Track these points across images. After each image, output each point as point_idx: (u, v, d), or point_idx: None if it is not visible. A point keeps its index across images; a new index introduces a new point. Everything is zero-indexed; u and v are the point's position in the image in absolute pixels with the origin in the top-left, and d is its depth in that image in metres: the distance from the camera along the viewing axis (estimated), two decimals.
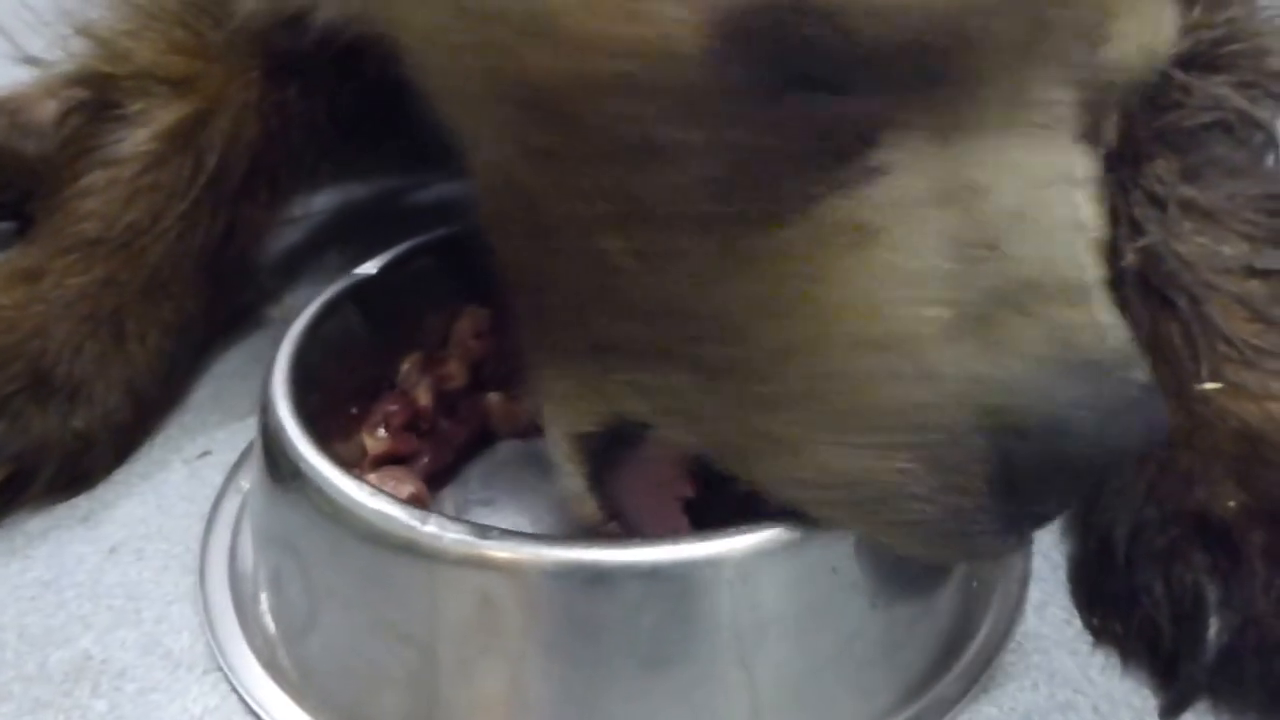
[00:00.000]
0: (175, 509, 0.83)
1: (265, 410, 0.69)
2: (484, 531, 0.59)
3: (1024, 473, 0.52)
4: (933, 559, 0.61)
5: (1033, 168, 0.52)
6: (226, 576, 0.74)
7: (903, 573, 0.62)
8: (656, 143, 0.52)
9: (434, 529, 0.59)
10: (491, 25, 0.55)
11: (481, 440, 0.84)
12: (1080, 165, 0.55)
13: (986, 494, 0.53)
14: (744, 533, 0.58)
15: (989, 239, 0.51)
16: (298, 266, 1.08)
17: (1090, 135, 0.56)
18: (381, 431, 0.79)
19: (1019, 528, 0.56)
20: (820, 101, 0.50)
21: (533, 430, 0.82)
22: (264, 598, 0.71)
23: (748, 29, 0.48)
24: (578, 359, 0.63)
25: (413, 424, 0.80)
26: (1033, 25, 0.50)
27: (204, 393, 0.94)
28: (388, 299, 0.83)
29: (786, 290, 0.53)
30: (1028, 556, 0.74)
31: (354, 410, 0.81)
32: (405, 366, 0.83)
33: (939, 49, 0.49)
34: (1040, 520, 0.57)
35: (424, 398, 0.81)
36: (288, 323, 0.76)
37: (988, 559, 0.67)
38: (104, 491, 0.85)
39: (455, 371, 0.83)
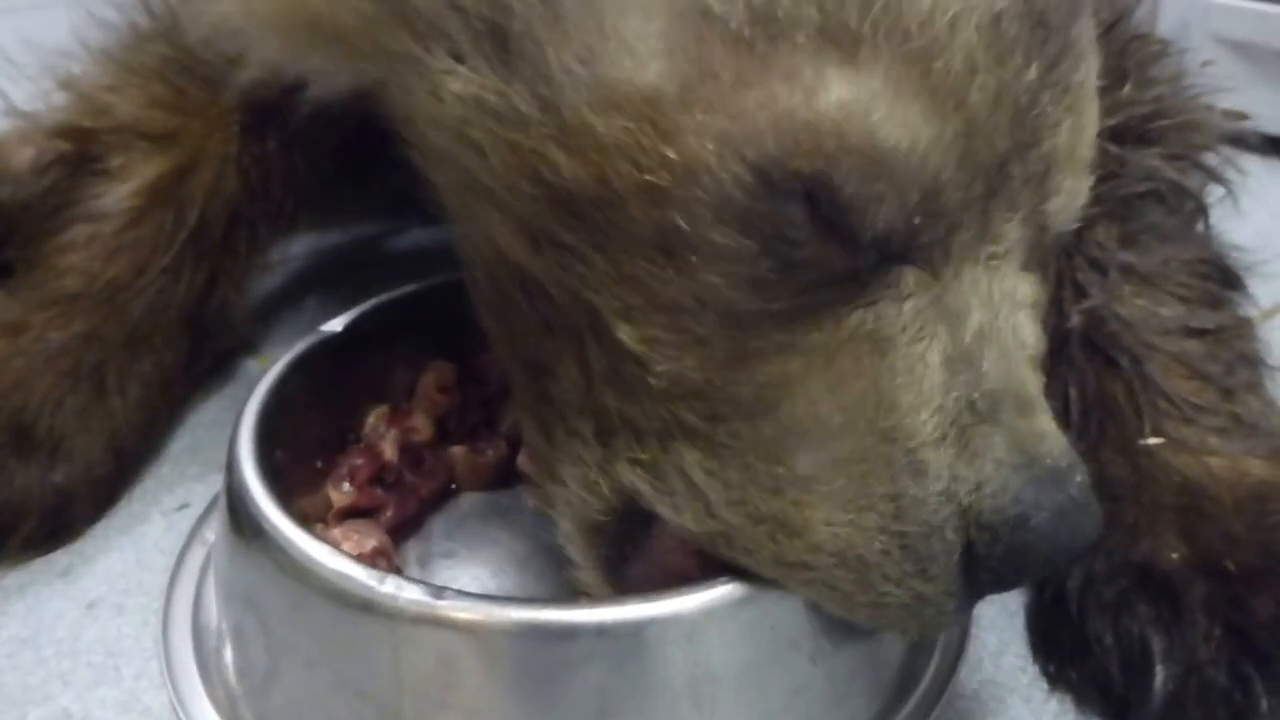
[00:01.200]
0: (154, 563, 0.80)
1: (230, 468, 0.68)
2: (439, 592, 0.58)
3: (985, 565, 0.55)
4: (892, 631, 0.61)
5: (993, 294, 0.56)
6: (190, 629, 0.72)
7: (841, 631, 0.61)
8: (689, 243, 0.54)
9: (391, 589, 0.58)
10: (517, 128, 0.57)
11: (445, 493, 0.82)
12: (1027, 290, 0.59)
13: (950, 582, 0.55)
14: (691, 593, 0.58)
15: (968, 356, 0.55)
16: (276, 314, 1.06)
17: (1035, 265, 0.60)
18: (347, 485, 0.78)
19: (969, 605, 0.58)
20: (834, 238, 0.53)
21: (496, 483, 0.82)
22: (227, 652, 0.69)
23: (779, 175, 0.52)
24: (586, 442, 0.62)
25: (378, 477, 0.79)
26: (997, 179, 0.54)
27: (182, 445, 0.92)
28: (353, 354, 0.81)
29: (809, 381, 0.55)
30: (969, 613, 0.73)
31: (319, 464, 0.79)
32: (371, 420, 0.82)
33: (929, 209, 0.53)
34: (985, 596, 0.58)
35: (389, 451, 0.79)
36: (264, 374, 0.75)
37: (937, 633, 0.68)
38: (83, 545, 0.82)
39: (420, 425, 0.82)
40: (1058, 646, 0.72)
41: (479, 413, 0.84)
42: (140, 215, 0.89)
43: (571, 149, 0.55)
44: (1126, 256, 0.80)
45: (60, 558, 0.82)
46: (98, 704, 0.71)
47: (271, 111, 0.89)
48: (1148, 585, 0.69)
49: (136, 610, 0.77)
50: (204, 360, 0.96)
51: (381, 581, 0.59)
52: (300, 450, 0.77)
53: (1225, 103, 0.89)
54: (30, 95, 0.96)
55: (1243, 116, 0.89)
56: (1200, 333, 0.78)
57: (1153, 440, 0.75)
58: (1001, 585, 0.56)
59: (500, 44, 0.57)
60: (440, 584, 0.59)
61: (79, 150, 0.91)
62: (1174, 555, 0.69)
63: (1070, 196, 0.59)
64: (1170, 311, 0.79)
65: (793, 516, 0.56)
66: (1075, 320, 0.79)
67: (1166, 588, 0.68)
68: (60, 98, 0.95)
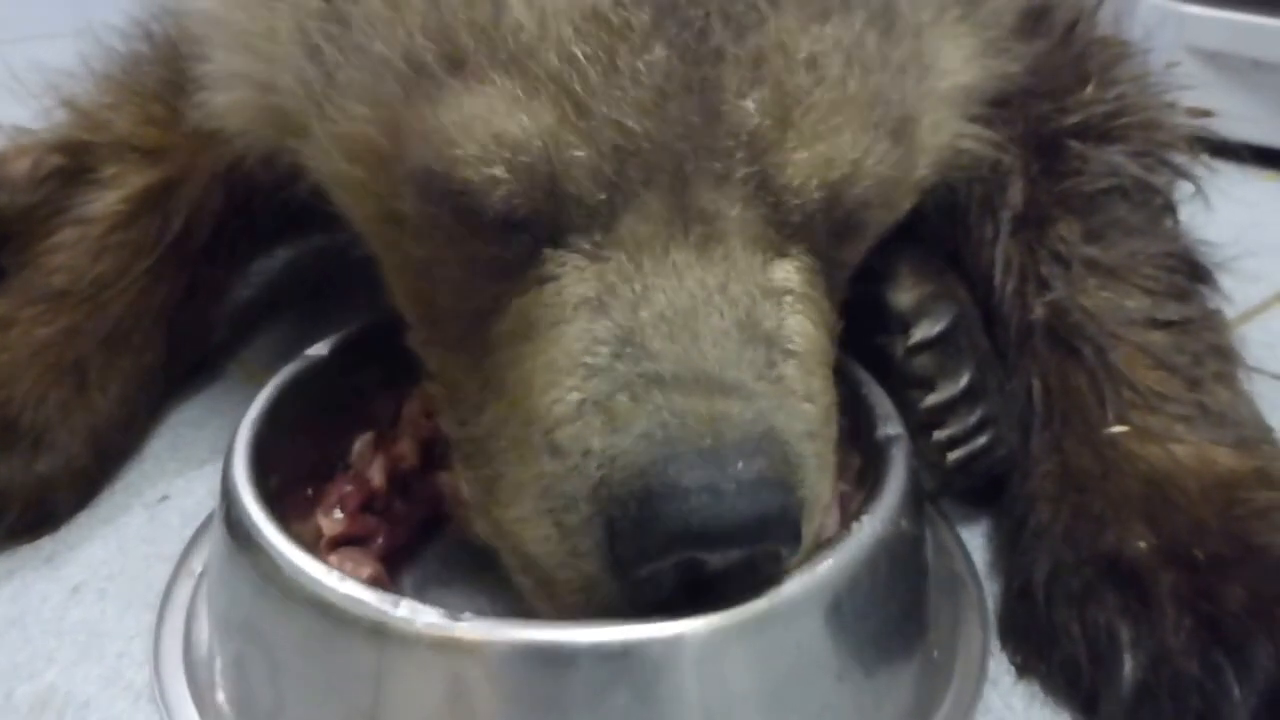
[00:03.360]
0: (136, 550, 0.78)
1: (227, 496, 0.64)
2: (456, 614, 0.55)
3: (621, 537, 0.52)
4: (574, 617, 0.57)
5: (695, 277, 0.55)
6: (182, 666, 0.68)
7: (868, 650, 0.58)
8: (414, 254, 0.61)
9: (406, 613, 0.55)
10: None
11: (436, 520, 0.76)
12: (778, 275, 0.57)
13: (605, 557, 0.53)
14: (705, 612, 0.54)
15: (630, 338, 0.54)
16: (255, 320, 1.04)
17: (798, 245, 0.58)
18: (338, 513, 0.72)
19: (635, 584, 0.53)
20: (488, 231, 0.56)
21: None
22: (222, 687, 0.64)
23: (428, 190, 0.57)
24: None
25: (368, 505, 0.73)
26: (659, 159, 0.53)
27: (162, 442, 0.89)
28: (337, 379, 0.77)
29: (501, 372, 0.57)
30: (987, 628, 0.69)
31: (309, 491, 0.74)
32: (357, 447, 0.76)
33: (556, 191, 0.53)
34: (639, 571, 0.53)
35: (378, 478, 0.74)
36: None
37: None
38: (66, 534, 0.80)
39: (407, 451, 0.76)
40: (1025, 637, 0.68)
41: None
42: (127, 220, 0.88)
43: (348, 194, 0.64)
44: (1090, 250, 0.77)
45: (45, 545, 0.79)
46: (82, 679, 0.69)
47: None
48: (1115, 575, 0.65)
49: (119, 594, 0.75)
50: (183, 361, 0.93)
51: (396, 606, 0.55)
52: (290, 477, 0.72)
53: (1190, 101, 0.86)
54: (36, 113, 0.95)
55: (1207, 114, 0.86)
56: (1166, 324, 0.75)
57: (1117, 429, 0.71)
58: (645, 558, 0.52)
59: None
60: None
61: (75, 163, 0.90)
62: (1141, 545, 0.65)
63: (813, 166, 0.56)
64: (1135, 303, 0.75)
65: (500, 518, 0.58)
66: (1038, 312, 0.76)
67: (1134, 577, 0.64)
68: (61, 115, 0.94)
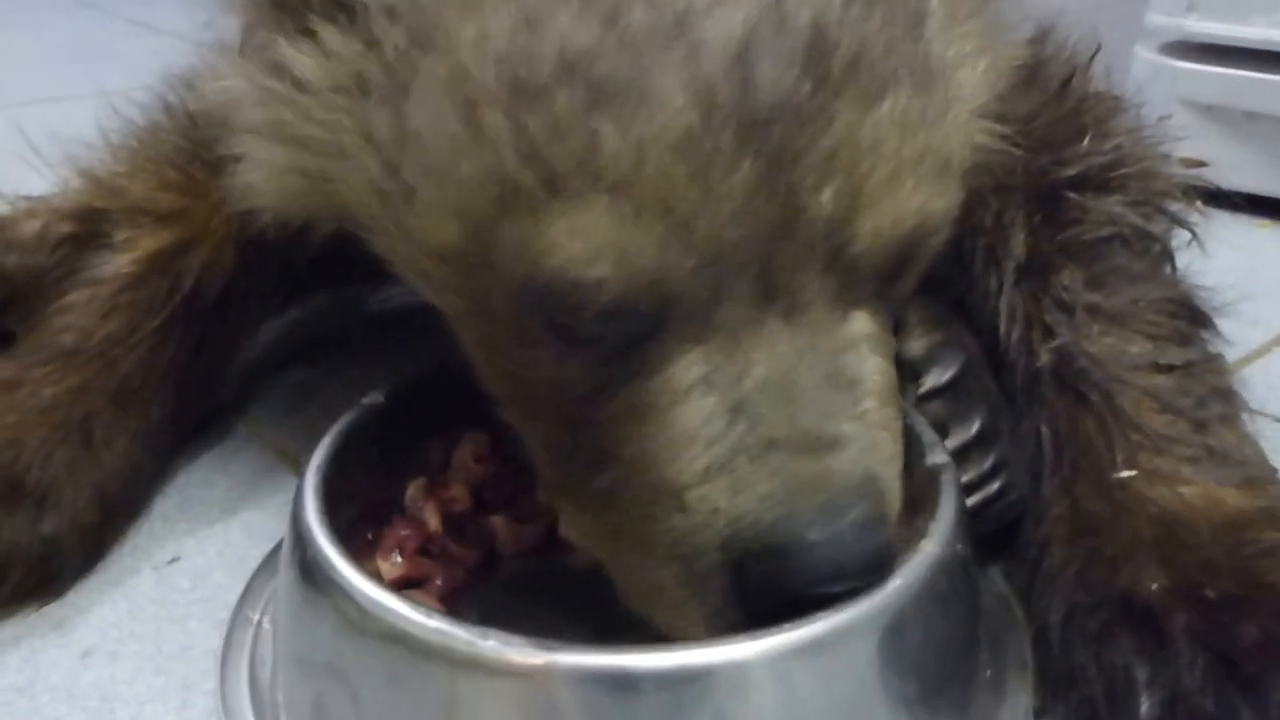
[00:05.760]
0: (146, 613, 0.77)
1: (302, 542, 0.64)
2: (545, 644, 0.56)
3: (755, 585, 0.58)
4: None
5: (786, 343, 0.59)
6: (251, 711, 0.67)
7: (926, 663, 0.60)
8: (502, 349, 0.65)
9: (495, 644, 0.56)
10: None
11: (489, 561, 0.77)
12: (855, 328, 0.62)
13: (729, 595, 0.59)
14: (775, 633, 0.57)
15: (740, 409, 0.59)
16: (263, 379, 1.04)
17: (866, 297, 0.62)
18: (397, 556, 0.74)
19: (762, 617, 0.58)
20: (585, 328, 0.60)
21: (538, 550, 0.77)
22: None
23: (524, 297, 0.60)
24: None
25: (425, 548, 0.74)
26: (748, 254, 0.57)
27: (171, 502, 0.89)
28: (390, 426, 0.77)
29: (614, 447, 0.62)
30: (1024, 643, 0.70)
31: (369, 535, 0.75)
32: (410, 491, 0.77)
33: (660, 294, 0.58)
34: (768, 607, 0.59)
35: (433, 521, 0.75)
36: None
37: None
38: (75, 598, 0.79)
39: (459, 495, 0.77)
40: (1042, 679, 0.68)
41: (515, 481, 0.79)
42: (138, 280, 0.88)
43: (433, 287, 0.67)
44: (1093, 297, 0.78)
45: (54, 609, 0.78)
46: None
47: None
48: (1129, 615, 0.66)
49: (130, 657, 0.74)
50: (191, 418, 0.93)
51: (484, 638, 0.57)
52: (351, 520, 0.73)
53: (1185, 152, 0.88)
54: (52, 184, 0.96)
55: (1201, 164, 0.88)
56: (1169, 368, 0.76)
57: (1126, 473, 0.72)
58: (776, 599, 0.58)
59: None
60: None
61: (87, 229, 0.91)
62: (1154, 585, 0.66)
63: (880, 232, 0.60)
64: (1139, 349, 0.77)
65: (623, 558, 0.63)
66: (1045, 359, 0.77)
67: (1148, 617, 0.65)
68: (77, 183, 0.95)
